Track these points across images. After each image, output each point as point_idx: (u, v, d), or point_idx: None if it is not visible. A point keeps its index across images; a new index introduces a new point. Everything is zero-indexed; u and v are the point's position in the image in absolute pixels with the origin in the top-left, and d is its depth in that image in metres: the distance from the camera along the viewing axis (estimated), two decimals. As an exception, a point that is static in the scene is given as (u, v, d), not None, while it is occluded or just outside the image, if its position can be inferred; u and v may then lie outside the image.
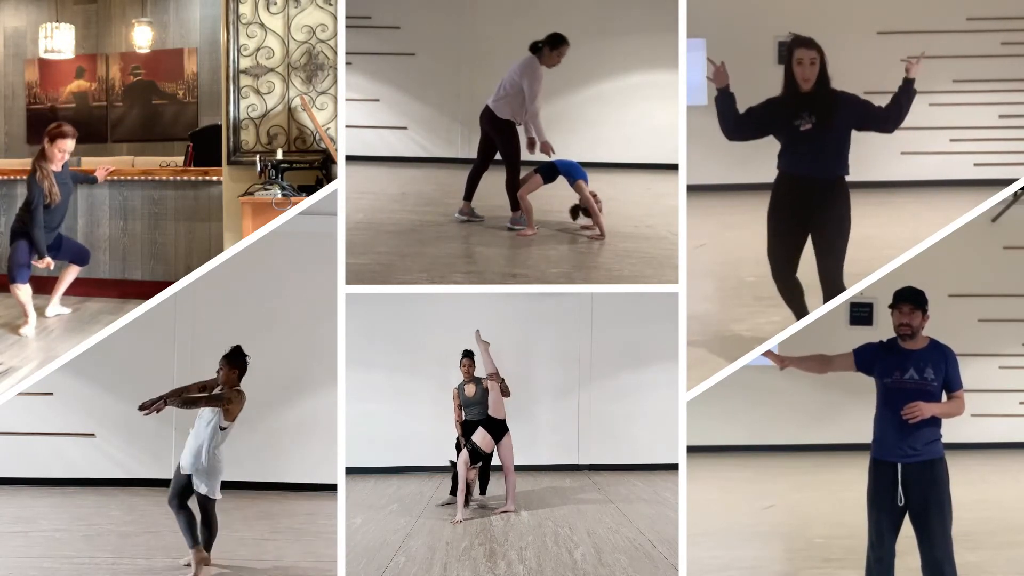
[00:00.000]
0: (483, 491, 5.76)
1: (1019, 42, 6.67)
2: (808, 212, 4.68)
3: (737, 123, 4.69)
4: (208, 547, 4.66)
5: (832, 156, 4.65)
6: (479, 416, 5.65)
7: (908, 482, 4.03)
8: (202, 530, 4.63)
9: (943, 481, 4.05)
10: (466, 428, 5.71)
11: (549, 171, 5.75)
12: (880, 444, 4.11)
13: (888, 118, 4.65)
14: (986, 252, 6.52)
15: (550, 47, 5.71)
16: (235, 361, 4.61)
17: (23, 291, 5.77)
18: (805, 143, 4.61)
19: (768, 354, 4.40)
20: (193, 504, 4.61)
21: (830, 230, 4.68)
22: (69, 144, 5.81)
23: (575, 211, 5.82)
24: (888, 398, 4.09)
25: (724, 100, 4.69)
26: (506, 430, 5.57)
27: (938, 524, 4.01)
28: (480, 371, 5.70)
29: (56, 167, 5.78)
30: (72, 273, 6.05)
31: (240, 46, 5.92)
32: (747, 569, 4.88)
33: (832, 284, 4.71)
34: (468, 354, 5.74)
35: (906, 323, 4.08)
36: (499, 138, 5.77)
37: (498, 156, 5.85)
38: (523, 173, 5.79)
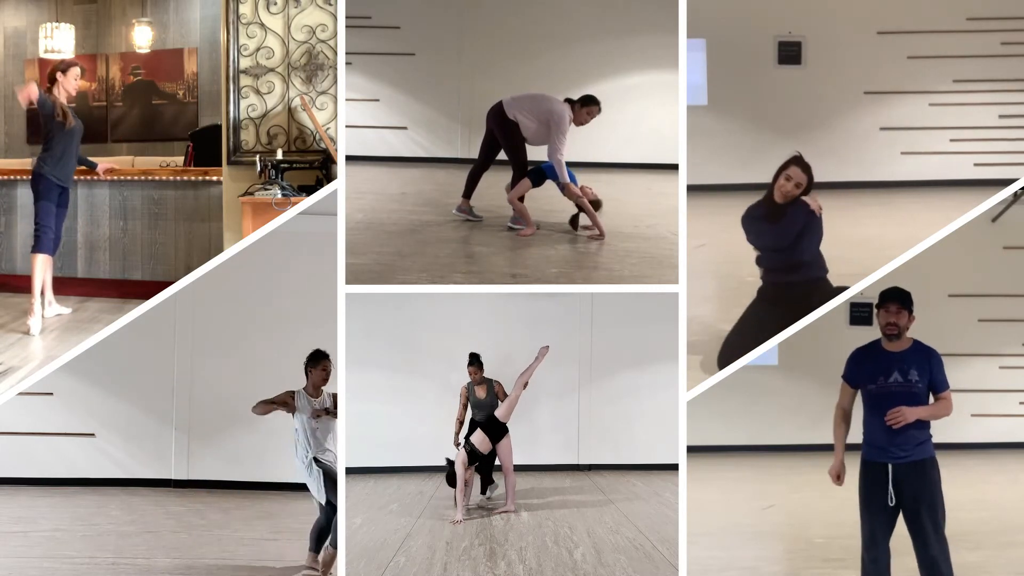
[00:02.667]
0: (483, 491, 5.76)
1: (1019, 42, 6.65)
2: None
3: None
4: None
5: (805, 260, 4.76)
6: (484, 418, 5.65)
7: (899, 482, 4.04)
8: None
9: (934, 480, 4.05)
10: (470, 428, 5.71)
11: (537, 174, 5.76)
12: (870, 447, 4.12)
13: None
14: (986, 252, 6.51)
15: (580, 104, 5.75)
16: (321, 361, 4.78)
17: (40, 263, 5.62)
18: (773, 250, 4.78)
19: (836, 468, 4.25)
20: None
21: None
22: (78, 71, 5.80)
23: (575, 221, 5.81)
24: (874, 403, 4.09)
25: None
26: (505, 431, 5.57)
27: (931, 523, 4.02)
28: (488, 373, 5.72)
29: (71, 92, 5.75)
30: (50, 266, 5.94)
31: (240, 46, 5.92)
32: (747, 569, 4.88)
33: None
34: (475, 358, 5.73)
35: (893, 322, 4.09)
36: (503, 137, 5.76)
37: (501, 156, 5.85)
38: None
